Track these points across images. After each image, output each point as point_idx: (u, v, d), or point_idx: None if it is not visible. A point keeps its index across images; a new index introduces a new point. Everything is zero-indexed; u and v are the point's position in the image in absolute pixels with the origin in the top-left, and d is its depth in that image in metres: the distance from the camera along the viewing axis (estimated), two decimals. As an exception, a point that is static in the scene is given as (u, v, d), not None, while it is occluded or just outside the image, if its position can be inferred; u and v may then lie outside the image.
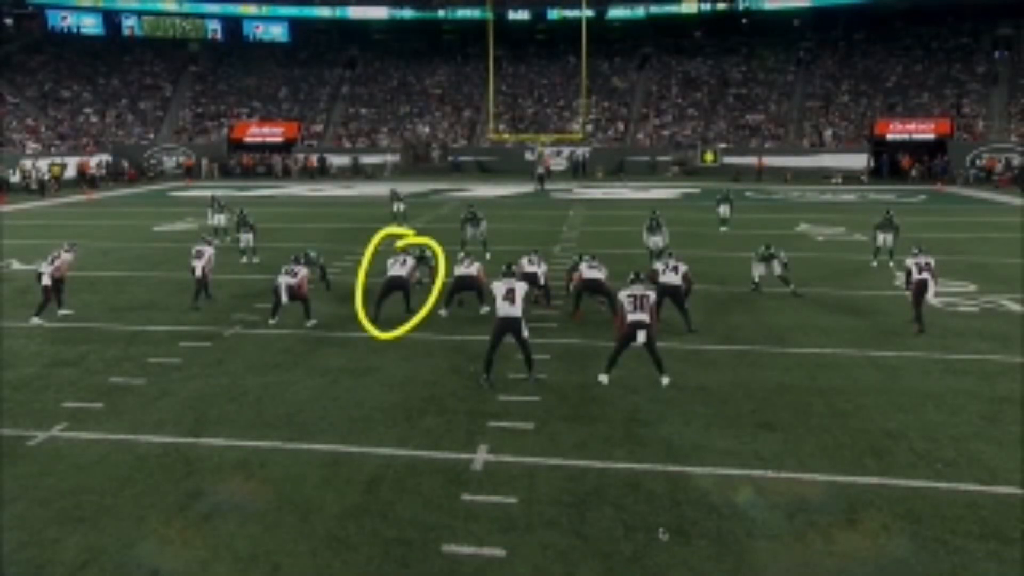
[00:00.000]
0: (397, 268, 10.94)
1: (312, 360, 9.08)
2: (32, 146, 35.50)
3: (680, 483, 6.00)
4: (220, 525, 5.42)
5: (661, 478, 6.08)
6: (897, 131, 35.49)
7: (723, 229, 19.01)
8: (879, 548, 5.07)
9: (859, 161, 34.55)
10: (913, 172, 33.25)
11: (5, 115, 37.16)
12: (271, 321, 10.50)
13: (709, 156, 37.13)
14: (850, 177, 33.13)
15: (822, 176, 33.47)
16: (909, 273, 10.05)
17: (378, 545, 5.16)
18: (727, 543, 5.17)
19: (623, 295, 7.98)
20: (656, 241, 14.58)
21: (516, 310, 7.78)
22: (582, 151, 37.99)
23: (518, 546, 5.13)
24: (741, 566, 4.94)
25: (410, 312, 10.90)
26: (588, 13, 39.15)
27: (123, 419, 7.30)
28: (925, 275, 9.77)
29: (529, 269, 10.98)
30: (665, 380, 7.97)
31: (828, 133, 37.06)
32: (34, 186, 30.78)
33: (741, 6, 42.19)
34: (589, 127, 39.78)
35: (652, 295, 8.13)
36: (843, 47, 42.43)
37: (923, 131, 35.02)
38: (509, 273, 8.66)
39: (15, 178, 31.39)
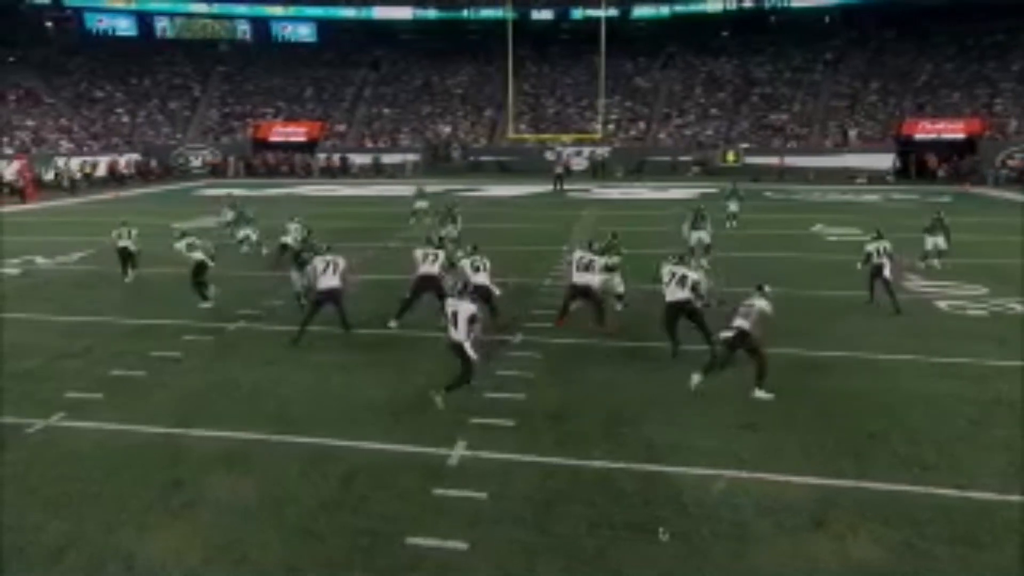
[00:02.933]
0: (428, 265, 9.96)
1: (308, 356, 9.23)
2: (66, 145, 36.68)
3: (653, 482, 6.01)
4: (197, 514, 5.58)
5: (635, 477, 6.09)
6: (925, 130, 34.65)
7: (731, 224, 18.85)
8: (844, 550, 5.03)
9: (885, 161, 33.84)
10: (940, 172, 32.41)
11: (41, 115, 38.46)
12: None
13: (731, 156, 36.67)
14: (875, 177, 32.48)
15: (846, 176, 32.85)
16: (869, 256, 10.34)
17: (346, 537, 5.26)
18: (691, 542, 5.18)
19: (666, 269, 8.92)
20: (700, 236, 14.22)
21: (460, 334, 7.27)
22: (602, 151, 37.87)
23: (481, 540, 5.19)
24: (703, 565, 4.95)
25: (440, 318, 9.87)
26: (612, 12, 39.00)
27: (120, 410, 7.53)
28: (883, 260, 10.11)
29: (479, 280, 9.83)
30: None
31: (853, 133, 36.34)
32: (66, 184, 31.76)
33: (768, 4, 41.58)
34: (610, 127, 39.63)
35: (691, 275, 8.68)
36: (873, 45, 41.58)
37: (952, 130, 34.13)
38: (464, 292, 7.88)
39: (49, 176, 32.45)
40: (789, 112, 39.11)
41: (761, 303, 7.49)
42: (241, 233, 15.79)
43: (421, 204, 20.67)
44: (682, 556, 5.03)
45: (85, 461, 6.43)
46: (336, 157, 39.65)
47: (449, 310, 7.40)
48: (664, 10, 43.02)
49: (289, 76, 46.13)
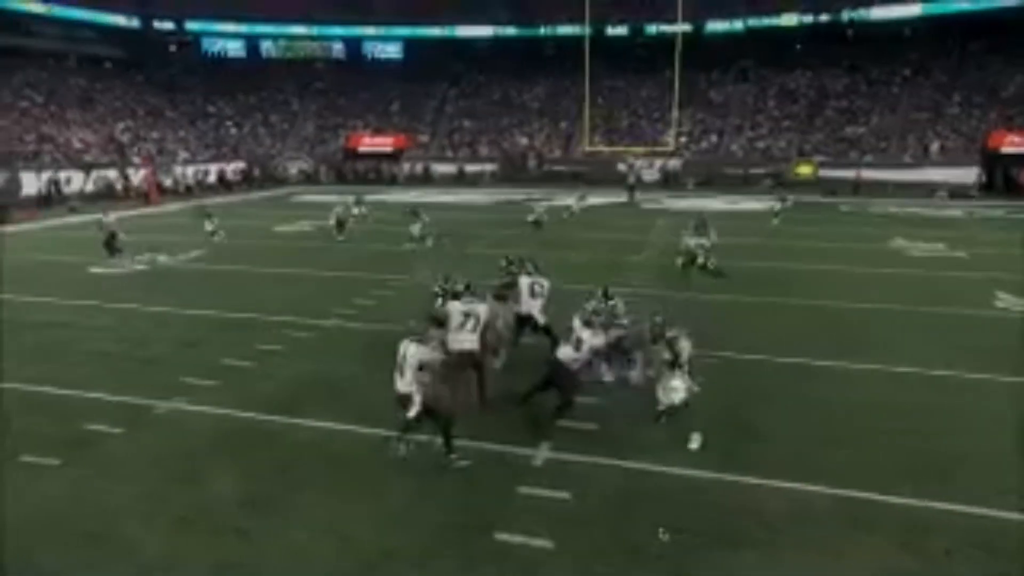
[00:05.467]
0: (535, 301, 8.81)
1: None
2: (183, 155, 40.23)
3: (731, 491, 6.08)
4: (303, 496, 6.05)
5: (713, 485, 6.18)
6: (1014, 144, 32.42)
7: (774, 222, 20.68)
8: (932, 569, 4.94)
9: (968, 175, 31.93)
10: (1030, 188, 30.16)
11: (164, 128, 42.30)
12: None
13: (805, 168, 35.21)
14: (958, 192, 30.64)
15: (927, 191, 31.16)
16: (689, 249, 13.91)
17: (437, 527, 5.57)
18: (769, 552, 5.24)
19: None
20: (702, 243, 14.39)
21: (405, 383, 6.30)
22: (673, 163, 37.63)
23: (565, 539, 5.39)
24: (777, 574, 4.99)
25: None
26: (686, 27, 38.75)
27: (232, 396, 8.18)
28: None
29: (527, 307, 8.79)
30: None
31: (935, 146, 34.44)
32: (182, 189, 35.26)
33: (846, 17, 39.99)
34: (683, 139, 39.28)
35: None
36: (956, 57, 39.31)
37: (1045, 143, 31.70)
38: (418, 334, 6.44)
39: (168, 182, 35.81)
40: (867, 125, 37.52)
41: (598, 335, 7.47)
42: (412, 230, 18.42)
43: (575, 206, 23.92)
44: (760, 566, 5.09)
45: (204, 440, 7.09)
46: (419, 166, 41.21)
47: (400, 350, 6.30)
48: (738, 24, 42.34)
49: (377, 91, 48.19)
